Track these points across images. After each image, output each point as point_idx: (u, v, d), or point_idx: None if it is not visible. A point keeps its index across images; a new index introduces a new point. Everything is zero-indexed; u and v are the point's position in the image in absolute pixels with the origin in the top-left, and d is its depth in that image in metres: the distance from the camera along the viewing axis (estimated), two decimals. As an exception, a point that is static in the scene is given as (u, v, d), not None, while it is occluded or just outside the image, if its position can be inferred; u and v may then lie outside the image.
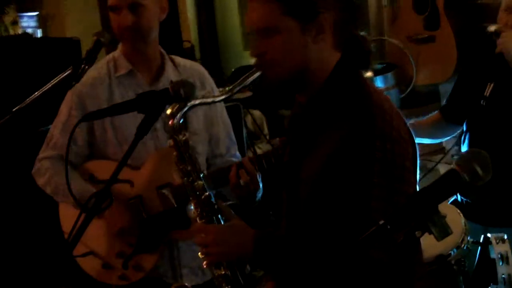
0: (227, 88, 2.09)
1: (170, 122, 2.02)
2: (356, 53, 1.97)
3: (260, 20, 1.91)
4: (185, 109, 2.02)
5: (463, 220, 2.96)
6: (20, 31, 7.20)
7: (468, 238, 2.88)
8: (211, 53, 6.45)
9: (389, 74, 4.98)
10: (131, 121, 2.50)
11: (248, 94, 4.87)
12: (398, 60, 5.21)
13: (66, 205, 2.92)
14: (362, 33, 2.01)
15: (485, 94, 2.96)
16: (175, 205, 2.75)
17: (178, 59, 3.01)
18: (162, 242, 2.85)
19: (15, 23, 7.22)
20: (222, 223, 2.09)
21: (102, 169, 2.82)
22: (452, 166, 1.52)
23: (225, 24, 6.69)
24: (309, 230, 1.94)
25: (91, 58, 2.57)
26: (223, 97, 2.05)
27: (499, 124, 2.99)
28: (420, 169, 1.98)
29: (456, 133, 3.29)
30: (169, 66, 2.92)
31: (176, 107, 2.02)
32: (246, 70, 2.08)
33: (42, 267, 3.97)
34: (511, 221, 2.96)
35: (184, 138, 2.04)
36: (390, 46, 5.29)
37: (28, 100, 2.45)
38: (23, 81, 4.19)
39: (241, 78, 2.03)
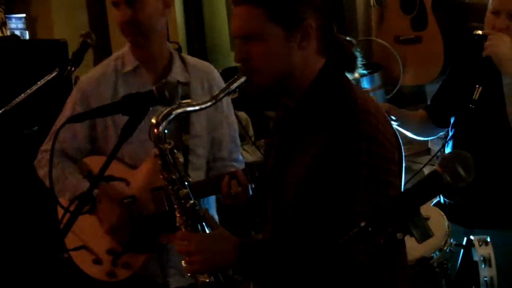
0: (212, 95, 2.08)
1: (155, 131, 2.01)
2: (341, 57, 1.97)
3: (244, 26, 1.92)
4: (170, 117, 2.01)
5: (446, 222, 2.96)
6: (8, 33, 7.17)
7: (451, 240, 2.88)
8: (199, 54, 6.43)
9: (376, 75, 4.98)
10: None
11: (234, 95, 4.86)
12: (385, 60, 5.21)
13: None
14: (347, 38, 2.01)
15: (474, 97, 2.96)
16: (167, 209, 2.75)
17: (190, 59, 3.02)
18: (151, 243, 2.86)
19: (3, 24, 7.19)
20: (207, 231, 2.08)
21: (100, 165, 2.84)
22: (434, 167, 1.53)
23: (212, 25, 6.69)
24: (294, 233, 1.94)
25: (78, 60, 2.58)
26: (209, 104, 2.04)
27: (487, 128, 2.99)
28: (405, 171, 1.99)
29: (440, 134, 3.30)
30: (177, 65, 2.92)
31: (161, 116, 2.00)
32: (234, 71, 2.08)
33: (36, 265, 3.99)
34: (494, 223, 2.97)
35: (169, 147, 2.04)
36: (377, 46, 5.29)
37: (13, 103, 2.45)
38: (10, 83, 4.18)
39: (226, 84, 2.03)
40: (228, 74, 2.24)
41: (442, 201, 3.17)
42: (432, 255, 2.79)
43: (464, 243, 2.70)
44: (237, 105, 5.14)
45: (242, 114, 5.14)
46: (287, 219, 1.97)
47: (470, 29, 3.14)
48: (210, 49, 6.69)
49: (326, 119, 1.88)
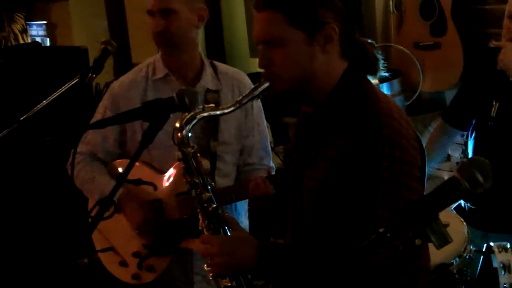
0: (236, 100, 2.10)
1: (178, 135, 2.03)
2: (363, 60, 1.97)
3: (266, 31, 1.93)
4: (194, 121, 2.02)
5: (465, 228, 2.95)
6: (29, 40, 7.24)
7: (471, 247, 2.87)
8: (217, 60, 6.44)
9: (395, 81, 4.96)
10: None
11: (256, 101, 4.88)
12: (404, 66, 5.18)
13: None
14: (369, 40, 2.02)
15: (491, 114, 2.94)
16: (191, 214, 2.77)
17: (222, 66, 3.06)
18: (175, 247, 2.90)
19: (24, 31, 7.26)
20: (229, 234, 2.09)
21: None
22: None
23: (231, 32, 6.70)
24: (314, 237, 1.95)
25: (98, 67, 2.61)
26: (232, 108, 2.04)
27: (506, 140, 2.97)
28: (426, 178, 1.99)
29: (460, 139, 3.29)
30: (207, 73, 2.96)
31: (184, 120, 2.02)
32: (252, 77, 2.09)
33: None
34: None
35: (192, 151, 2.05)
36: (396, 52, 5.28)
37: (35, 109, 2.48)
38: (31, 90, 4.22)
39: (250, 89, 2.04)
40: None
41: (462, 204, 3.16)
42: (452, 261, 2.79)
43: (483, 249, 2.69)
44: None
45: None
46: (306, 223, 1.97)
47: (489, 36, 3.12)
48: (229, 56, 6.70)
49: (348, 123, 1.88)
